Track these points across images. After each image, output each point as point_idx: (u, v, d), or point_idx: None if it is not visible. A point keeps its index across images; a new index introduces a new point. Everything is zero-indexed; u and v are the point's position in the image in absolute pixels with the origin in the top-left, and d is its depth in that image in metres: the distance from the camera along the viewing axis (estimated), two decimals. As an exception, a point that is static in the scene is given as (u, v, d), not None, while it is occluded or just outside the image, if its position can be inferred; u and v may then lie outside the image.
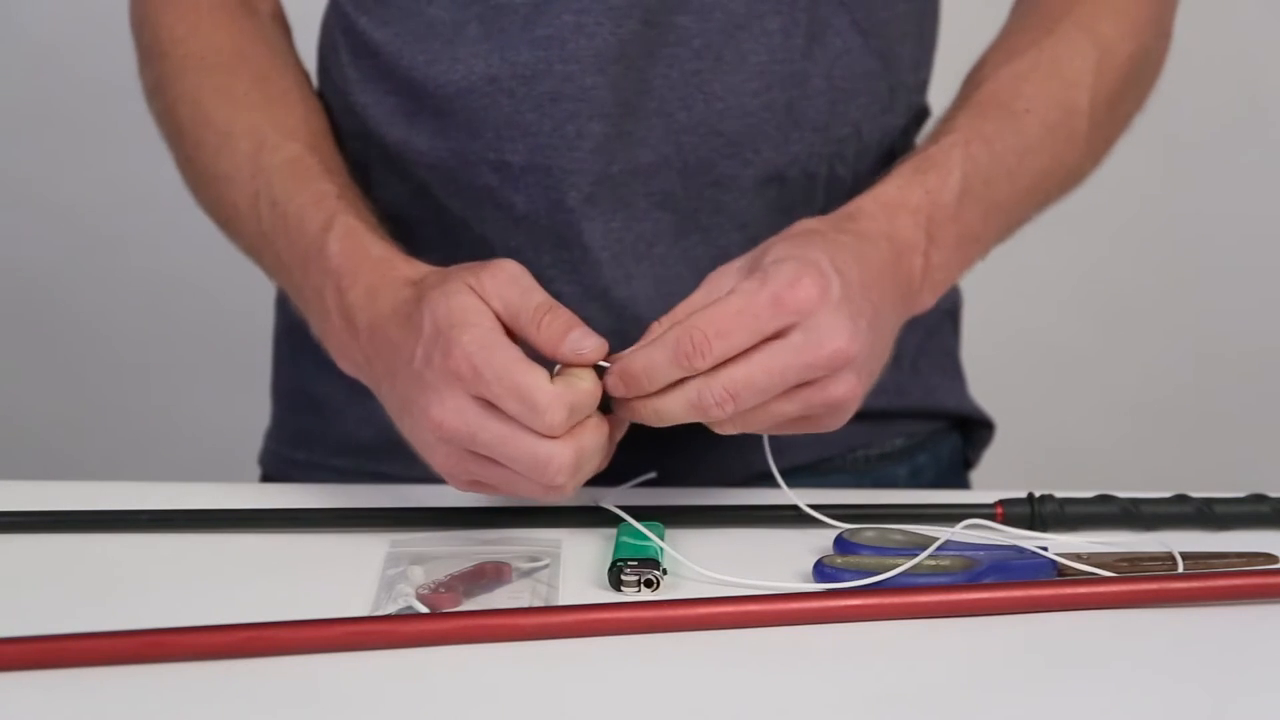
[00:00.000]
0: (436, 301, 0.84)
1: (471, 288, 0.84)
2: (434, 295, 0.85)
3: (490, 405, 0.82)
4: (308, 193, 0.97)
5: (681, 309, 0.86)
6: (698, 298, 0.86)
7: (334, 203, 0.96)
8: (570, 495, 0.83)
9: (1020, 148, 0.98)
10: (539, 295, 0.84)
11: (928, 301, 0.94)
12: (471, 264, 0.87)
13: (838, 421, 0.86)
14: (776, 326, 0.82)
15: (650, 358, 0.82)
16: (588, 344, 0.83)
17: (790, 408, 0.84)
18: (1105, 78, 1.01)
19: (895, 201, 0.92)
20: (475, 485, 0.85)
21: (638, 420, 0.85)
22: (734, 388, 0.82)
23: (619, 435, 0.86)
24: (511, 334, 0.84)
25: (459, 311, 0.83)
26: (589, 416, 0.83)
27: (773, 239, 0.88)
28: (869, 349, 0.85)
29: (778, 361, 0.82)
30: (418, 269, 0.91)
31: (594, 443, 0.83)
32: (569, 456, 0.81)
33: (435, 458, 0.85)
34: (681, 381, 0.83)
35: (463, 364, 0.82)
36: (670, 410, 0.83)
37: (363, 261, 0.92)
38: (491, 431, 0.82)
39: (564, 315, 0.84)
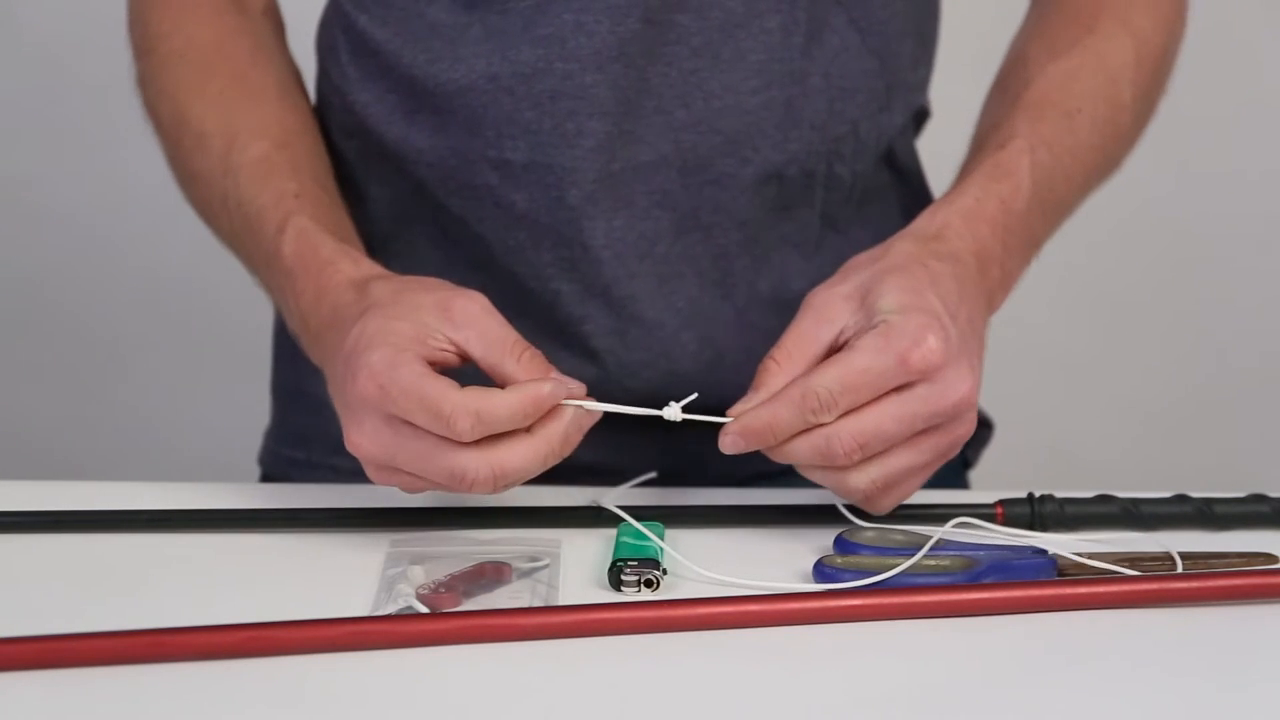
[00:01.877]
0: (369, 321, 0.85)
1: (430, 314, 0.84)
2: (372, 315, 0.85)
3: (404, 423, 0.82)
4: (269, 193, 0.97)
5: (791, 339, 0.86)
6: (807, 326, 0.86)
7: (291, 203, 0.96)
8: (500, 493, 0.84)
9: (1075, 148, 0.99)
10: (515, 333, 0.85)
11: (1000, 303, 0.95)
12: (440, 285, 0.87)
13: (954, 453, 0.87)
14: (900, 383, 0.82)
15: (775, 415, 0.82)
16: (573, 386, 0.84)
17: (920, 458, 0.84)
18: (1143, 71, 1.03)
19: (975, 213, 0.93)
20: (410, 490, 0.86)
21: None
22: (863, 437, 0.82)
23: (588, 425, 0.85)
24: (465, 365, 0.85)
25: (378, 334, 0.83)
26: (513, 435, 0.82)
27: (875, 268, 0.87)
28: (980, 384, 0.86)
29: (906, 411, 0.82)
30: (361, 269, 0.91)
31: (516, 462, 0.82)
32: (484, 471, 0.82)
33: (367, 470, 0.86)
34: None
35: (369, 384, 0.82)
36: (795, 455, 0.84)
37: (310, 264, 0.92)
38: (408, 451, 0.83)
39: (542, 356, 0.85)
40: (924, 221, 0.92)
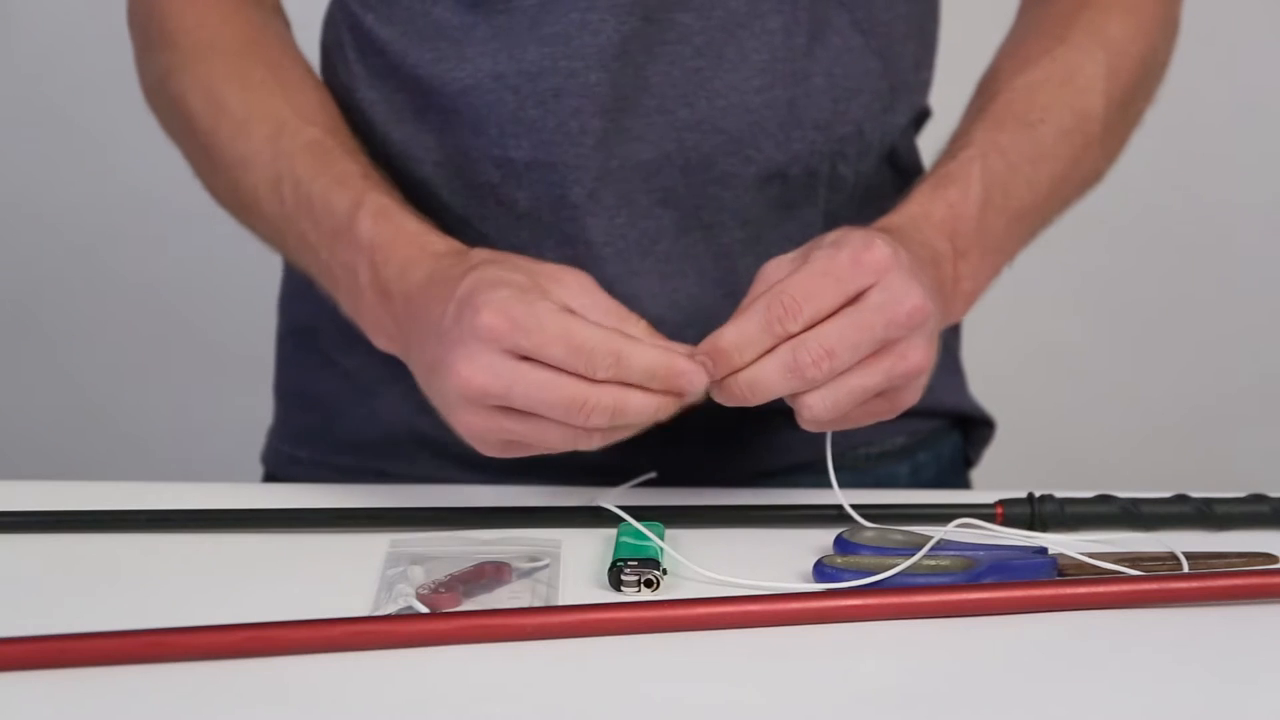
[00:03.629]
0: (484, 271, 0.86)
1: (538, 277, 0.86)
2: (485, 267, 0.86)
3: (526, 359, 0.83)
4: (332, 173, 0.97)
5: (747, 303, 0.86)
6: (758, 290, 0.87)
7: (361, 182, 0.96)
8: (598, 445, 0.84)
9: (1036, 156, 0.99)
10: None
11: (960, 312, 0.96)
12: (540, 261, 0.89)
13: (913, 396, 0.87)
14: (858, 287, 0.83)
15: (741, 329, 0.83)
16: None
17: (874, 379, 0.84)
18: (1117, 81, 1.03)
19: (920, 217, 0.94)
20: (506, 446, 0.86)
21: (732, 401, 0.84)
22: (829, 344, 0.83)
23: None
24: None
25: (499, 280, 0.85)
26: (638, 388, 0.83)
27: (819, 238, 0.89)
28: (935, 314, 0.86)
29: (864, 319, 0.83)
30: (451, 243, 0.93)
31: (638, 408, 0.83)
32: (607, 401, 0.82)
33: (462, 419, 0.85)
34: (772, 349, 0.83)
35: (497, 318, 0.82)
36: (765, 379, 0.83)
37: (398, 236, 0.93)
38: (529, 380, 0.82)
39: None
40: (871, 225, 0.93)
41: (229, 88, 1.02)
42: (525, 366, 0.83)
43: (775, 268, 0.87)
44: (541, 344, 0.82)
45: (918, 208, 0.95)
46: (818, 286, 0.83)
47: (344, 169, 0.98)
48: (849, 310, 0.83)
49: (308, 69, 1.06)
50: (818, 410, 0.84)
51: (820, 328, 0.83)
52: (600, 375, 0.82)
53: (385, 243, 0.93)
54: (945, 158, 0.99)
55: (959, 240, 0.94)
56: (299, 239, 0.99)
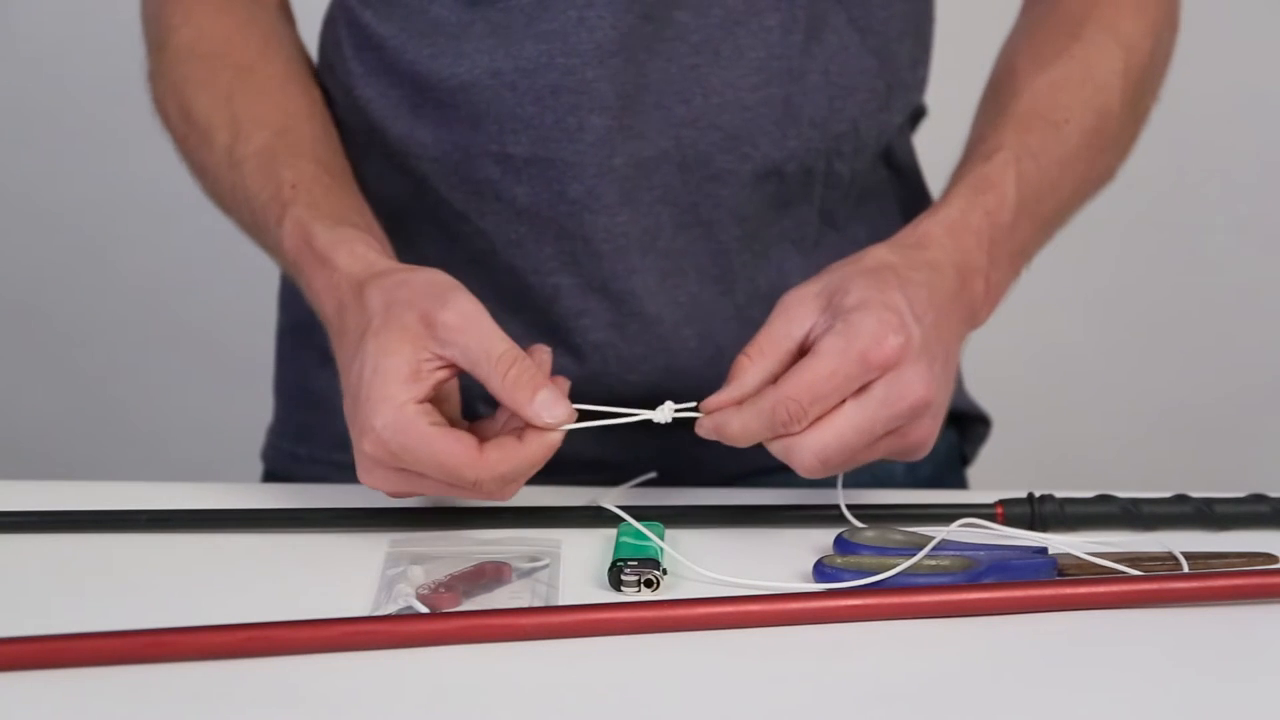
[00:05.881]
0: (366, 359, 0.85)
1: (417, 334, 0.84)
2: (368, 346, 0.85)
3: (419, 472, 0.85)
4: (270, 186, 0.97)
5: (763, 337, 0.86)
6: (778, 326, 0.86)
7: (287, 193, 0.96)
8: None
9: (1062, 158, 0.99)
10: (501, 343, 0.84)
11: (985, 318, 0.95)
12: (426, 293, 0.86)
13: (914, 458, 0.88)
14: (863, 382, 0.84)
15: (746, 426, 0.84)
16: (558, 412, 0.84)
17: (871, 455, 0.86)
18: (1131, 78, 1.03)
19: (959, 225, 0.93)
20: (411, 493, 0.88)
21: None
22: (825, 453, 0.83)
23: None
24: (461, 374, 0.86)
25: (376, 384, 0.84)
26: (509, 442, 0.84)
27: (847, 269, 0.88)
28: (944, 391, 0.86)
29: (864, 417, 0.83)
30: (357, 262, 0.90)
31: (523, 471, 0.84)
32: (492, 484, 0.84)
33: (367, 481, 0.87)
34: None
35: (378, 449, 0.84)
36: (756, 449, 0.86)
37: (308, 259, 0.93)
38: (425, 486, 0.85)
39: (530, 369, 0.84)
40: (906, 232, 0.93)
41: (196, 94, 1.03)
42: (412, 474, 0.85)
43: (797, 310, 0.86)
44: (420, 468, 0.84)
45: (958, 215, 0.94)
46: (825, 389, 0.83)
47: (278, 179, 0.97)
48: (852, 407, 0.83)
49: (287, 64, 1.06)
50: (814, 475, 0.85)
51: (818, 431, 0.83)
52: (496, 498, 0.85)
53: (303, 264, 0.93)
54: (978, 159, 0.98)
55: (994, 249, 0.94)
56: (263, 247, 1.01)
